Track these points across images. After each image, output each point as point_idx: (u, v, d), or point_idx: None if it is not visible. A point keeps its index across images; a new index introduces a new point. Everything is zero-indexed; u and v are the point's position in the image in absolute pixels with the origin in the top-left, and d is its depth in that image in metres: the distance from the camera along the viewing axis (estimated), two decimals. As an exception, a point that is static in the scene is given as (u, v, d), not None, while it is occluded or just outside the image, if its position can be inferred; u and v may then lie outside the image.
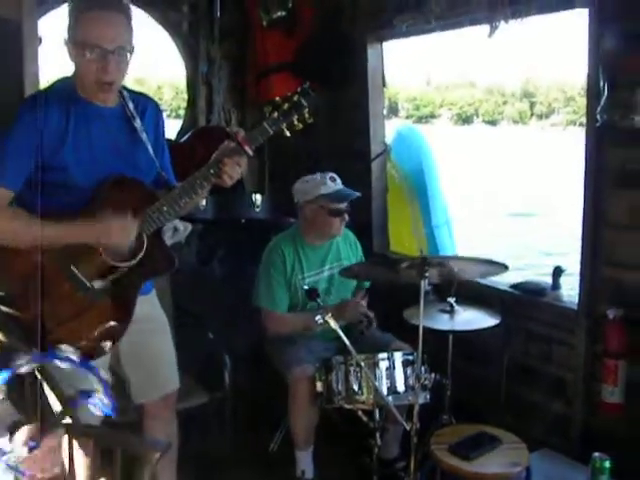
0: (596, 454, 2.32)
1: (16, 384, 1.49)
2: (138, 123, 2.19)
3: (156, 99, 2.42)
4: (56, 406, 1.42)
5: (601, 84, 2.64)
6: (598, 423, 2.86)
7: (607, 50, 2.65)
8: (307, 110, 2.14)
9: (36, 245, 2.03)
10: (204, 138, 4.23)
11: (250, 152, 2.13)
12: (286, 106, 2.14)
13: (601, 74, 2.64)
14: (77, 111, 2.07)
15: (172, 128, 4.18)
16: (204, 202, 3.55)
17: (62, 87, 2.11)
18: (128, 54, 2.04)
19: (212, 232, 3.72)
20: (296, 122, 2.15)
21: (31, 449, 1.26)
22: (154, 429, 2.44)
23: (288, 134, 2.16)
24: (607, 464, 2.30)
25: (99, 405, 1.26)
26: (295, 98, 2.14)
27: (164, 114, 2.44)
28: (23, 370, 1.20)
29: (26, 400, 1.63)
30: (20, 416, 1.60)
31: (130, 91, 2.23)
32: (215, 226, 3.81)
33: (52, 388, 1.85)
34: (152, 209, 2.12)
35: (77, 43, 1.99)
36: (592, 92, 2.74)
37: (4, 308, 2.06)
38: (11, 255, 2.05)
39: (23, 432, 1.29)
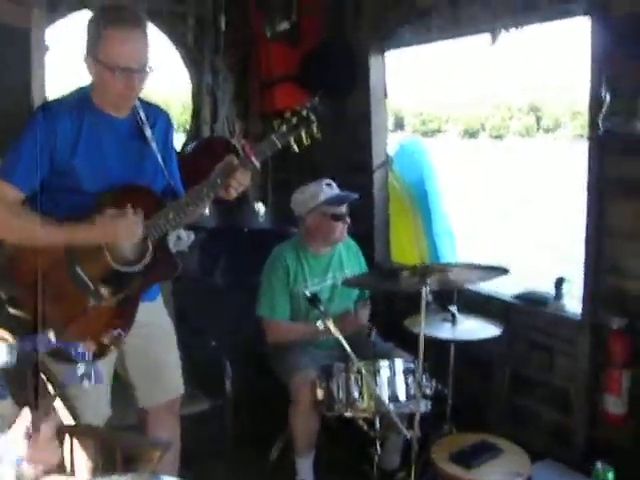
0: (599, 464, 2.29)
1: (18, 378, 1.50)
2: (149, 132, 2.23)
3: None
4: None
5: (603, 92, 2.65)
6: (601, 434, 2.84)
7: (609, 58, 2.66)
8: (316, 125, 2.13)
9: (41, 245, 2.07)
10: (208, 149, 4.26)
11: (257, 164, 2.14)
12: (295, 120, 2.12)
13: (603, 82, 2.65)
14: (90, 119, 2.12)
15: (178, 141, 4.21)
16: (207, 210, 3.55)
17: (77, 96, 2.17)
18: (149, 69, 2.10)
19: (215, 241, 3.72)
20: (304, 137, 2.14)
21: (29, 438, 1.26)
22: (157, 434, 2.45)
23: (296, 149, 2.15)
24: (610, 475, 2.27)
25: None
26: (304, 113, 2.13)
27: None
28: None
29: (27, 394, 1.64)
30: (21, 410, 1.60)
31: (143, 101, 2.26)
32: (218, 235, 3.82)
33: (51, 382, 1.86)
34: (158, 215, 2.15)
35: (101, 61, 2.04)
36: (595, 101, 2.73)
37: (12, 309, 2.08)
38: (18, 256, 2.10)
39: (19, 425, 1.29)
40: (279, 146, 2.13)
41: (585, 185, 2.87)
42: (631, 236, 2.72)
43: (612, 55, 2.65)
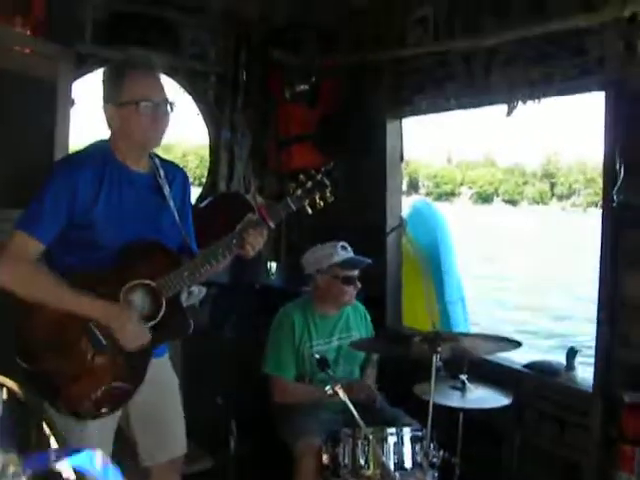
0: None
1: (22, 436, 1.49)
2: (167, 190, 2.27)
3: (181, 167, 2.51)
4: None
5: (617, 165, 2.67)
6: (614, 512, 2.75)
7: (623, 132, 2.69)
8: (329, 190, 2.19)
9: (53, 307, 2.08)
10: (223, 204, 4.30)
11: (272, 225, 2.19)
12: (309, 184, 2.18)
13: (617, 155, 2.68)
14: (111, 173, 2.16)
15: (194, 195, 4.25)
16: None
17: (98, 149, 2.21)
18: (169, 107, 2.18)
19: (226, 296, 3.72)
20: (318, 200, 2.19)
21: None
22: None
23: (310, 212, 2.21)
24: None
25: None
26: (319, 177, 2.19)
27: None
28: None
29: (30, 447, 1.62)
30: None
31: (161, 159, 2.32)
32: (229, 291, 3.83)
33: (55, 436, 1.84)
34: (174, 274, 2.16)
35: (124, 102, 2.11)
36: (609, 173, 2.76)
37: (22, 362, 2.08)
38: (31, 308, 2.09)
39: None
40: (293, 209, 2.19)
41: (598, 255, 2.86)
42: (644, 308, 2.70)
43: (626, 129, 2.68)
